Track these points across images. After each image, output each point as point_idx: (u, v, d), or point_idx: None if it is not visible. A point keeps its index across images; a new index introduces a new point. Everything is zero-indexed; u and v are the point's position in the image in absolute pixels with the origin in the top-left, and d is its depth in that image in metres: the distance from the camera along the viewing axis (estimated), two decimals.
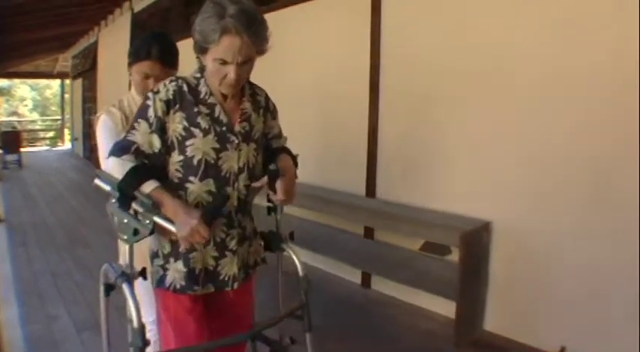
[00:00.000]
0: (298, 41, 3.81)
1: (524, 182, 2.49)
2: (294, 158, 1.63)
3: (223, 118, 1.46)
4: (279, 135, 1.68)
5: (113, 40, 8.72)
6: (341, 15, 3.53)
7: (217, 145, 1.44)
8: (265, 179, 1.53)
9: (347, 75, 3.53)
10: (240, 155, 1.48)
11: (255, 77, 1.53)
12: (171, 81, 1.45)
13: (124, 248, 1.86)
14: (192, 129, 1.41)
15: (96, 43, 10.13)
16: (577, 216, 2.29)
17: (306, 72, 3.89)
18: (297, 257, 1.56)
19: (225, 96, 1.47)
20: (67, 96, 16.45)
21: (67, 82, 15.40)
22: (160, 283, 1.48)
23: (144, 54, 1.80)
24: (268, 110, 1.62)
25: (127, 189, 1.35)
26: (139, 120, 1.42)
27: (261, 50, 1.41)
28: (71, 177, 9.48)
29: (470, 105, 2.72)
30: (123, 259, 1.91)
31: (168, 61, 1.85)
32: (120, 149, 1.40)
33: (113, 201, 1.36)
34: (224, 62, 1.35)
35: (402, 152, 3.17)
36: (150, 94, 1.43)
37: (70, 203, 6.86)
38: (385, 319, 2.97)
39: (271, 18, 1.46)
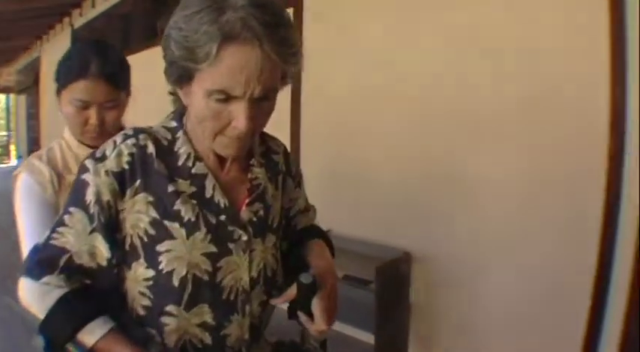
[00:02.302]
0: None
1: (443, 210, 2.50)
2: (329, 242, 1.09)
3: (220, 200, 0.89)
4: (307, 209, 1.13)
5: (55, 56, 8.50)
6: None
7: (214, 249, 0.87)
8: (292, 292, 0.93)
9: None
10: (253, 258, 0.92)
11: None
12: (125, 137, 0.87)
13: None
14: (167, 223, 0.85)
15: (38, 59, 9.85)
16: (500, 243, 2.29)
17: None
18: None
19: (222, 160, 0.92)
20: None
21: (12, 96, 14.95)
22: None
23: (77, 70, 1.21)
24: (289, 174, 1.07)
25: (55, 339, 0.83)
26: (71, 209, 0.85)
27: (287, 73, 0.86)
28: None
29: (391, 131, 2.73)
30: None
31: (117, 79, 1.26)
32: (38, 265, 0.85)
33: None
34: (226, 97, 0.78)
35: (325, 176, 3.14)
36: (89, 162, 0.86)
37: (7, 232, 6.57)
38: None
39: None
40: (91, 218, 0.84)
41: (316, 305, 0.91)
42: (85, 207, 0.84)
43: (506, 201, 2.25)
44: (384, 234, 2.76)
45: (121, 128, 1.34)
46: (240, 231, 0.90)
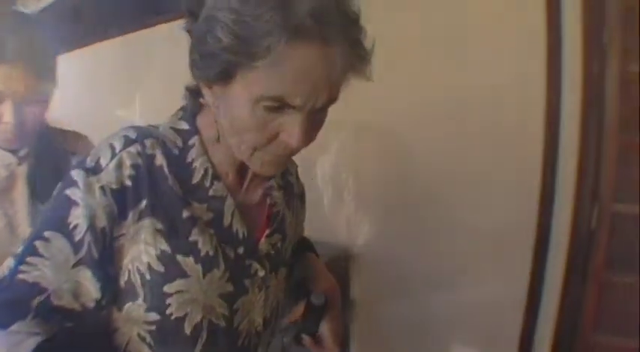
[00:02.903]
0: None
1: (391, 207, 2.48)
2: (316, 254, 1.01)
3: (239, 229, 0.74)
4: (303, 229, 1.03)
5: None
6: None
7: (230, 288, 0.72)
8: (297, 312, 0.86)
9: None
10: (268, 296, 0.79)
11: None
12: (127, 142, 0.68)
13: None
14: (180, 258, 0.68)
15: None
16: (449, 245, 2.26)
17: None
18: None
19: (241, 178, 0.77)
20: None
21: None
22: None
23: None
24: (299, 195, 0.96)
25: None
26: (47, 234, 0.64)
27: (347, 80, 0.67)
28: None
29: (329, 133, 2.68)
30: None
31: (41, 65, 0.96)
32: (4, 309, 0.64)
33: None
34: (281, 105, 0.62)
35: None
36: (77, 173, 0.65)
37: None
38: None
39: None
40: (75, 247, 0.64)
41: (327, 328, 0.83)
42: (68, 233, 0.64)
43: (459, 201, 2.24)
44: (322, 230, 2.72)
45: (47, 128, 1.12)
46: (257, 266, 0.76)
